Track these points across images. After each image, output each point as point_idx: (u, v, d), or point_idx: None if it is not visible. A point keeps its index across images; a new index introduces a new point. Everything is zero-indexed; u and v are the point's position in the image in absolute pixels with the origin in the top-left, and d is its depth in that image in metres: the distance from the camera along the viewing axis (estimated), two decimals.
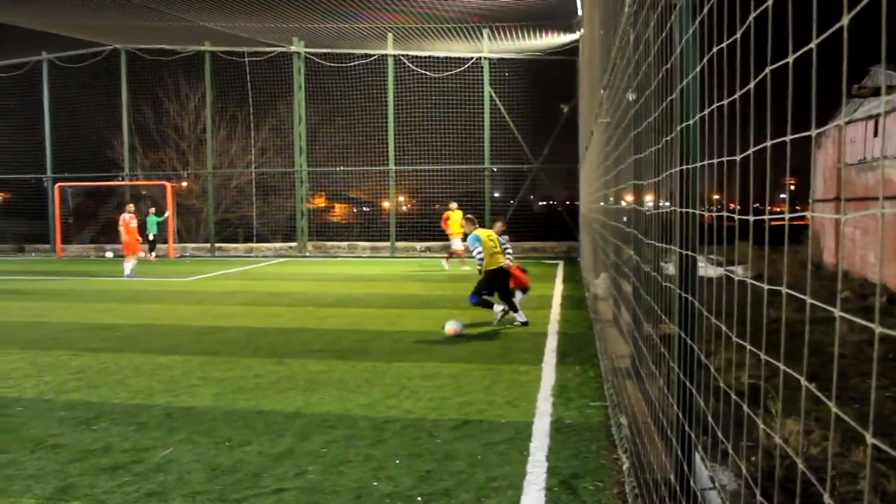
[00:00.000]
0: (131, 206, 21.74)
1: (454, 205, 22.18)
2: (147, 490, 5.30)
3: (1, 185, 32.69)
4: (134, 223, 21.02)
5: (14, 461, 5.97)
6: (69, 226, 30.90)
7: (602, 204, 10.63)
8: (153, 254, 27.46)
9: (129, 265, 20.62)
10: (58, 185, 30.16)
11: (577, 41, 23.12)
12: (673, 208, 3.59)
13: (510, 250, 12.74)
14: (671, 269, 3.79)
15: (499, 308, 12.06)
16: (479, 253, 12.00)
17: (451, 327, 11.05)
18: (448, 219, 21.79)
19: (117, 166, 30.48)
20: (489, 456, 5.88)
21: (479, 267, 12.31)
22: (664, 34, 3.86)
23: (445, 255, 22.41)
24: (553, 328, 11.72)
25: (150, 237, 27.62)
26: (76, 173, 30.42)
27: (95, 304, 15.39)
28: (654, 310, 4.31)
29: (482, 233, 12.20)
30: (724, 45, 2.40)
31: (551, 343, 10.49)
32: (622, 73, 6.43)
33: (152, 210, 27.77)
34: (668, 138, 3.70)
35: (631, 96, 5.77)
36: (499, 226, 13.21)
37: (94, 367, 9.41)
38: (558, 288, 16.88)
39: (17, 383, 8.60)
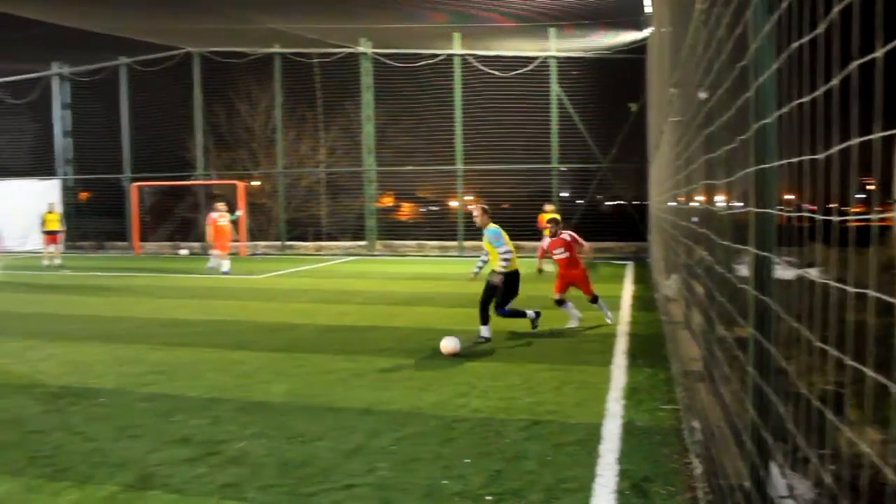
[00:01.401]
0: (220, 205, 22.17)
1: (550, 206, 21.24)
2: (222, 481, 5.44)
3: (83, 185, 33.82)
4: (223, 221, 21.40)
5: (99, 449, 6.19)
6: (146, 224, 31.78)
7: (673, 204, 10.48)
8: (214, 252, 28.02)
9: (226, 262, 21.08)
10: (135, 184, 31.05)
11: (644, 39, 22.82)
12: (748, 208, 3.53)
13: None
14: (744, 270, 3.73)
15: (532, 312, 11.18)
16: (508, 252, 10.57)
17: (448, 346, 9.72)
18: (541, 220, 20.64)
19: (191, 166, 31.22)
20: (559, 457, 5.86)
21: (477, 270, 11.48)
22: (738, 31, 3.80)
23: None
24: (623, 329, 11.60)
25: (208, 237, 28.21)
26: (152, 173, 31.29)
27: (171, 300, 15.82)
28: (728, 312, 4.24)
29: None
30: (804, 40, 2.35)
31: (621, 344, 10.40)
32: (693, 71, 6.34)
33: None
34: (743, 137, 3.64)
35: (702, 94, 5.69)
36: (549, 222, 12.71)
37: (170, 361, 9.68)
38: (628, 289, 16.70)
39: (100, 375, 8.92)
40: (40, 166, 32.55)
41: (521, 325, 11.86)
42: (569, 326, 11.74)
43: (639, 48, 24.04)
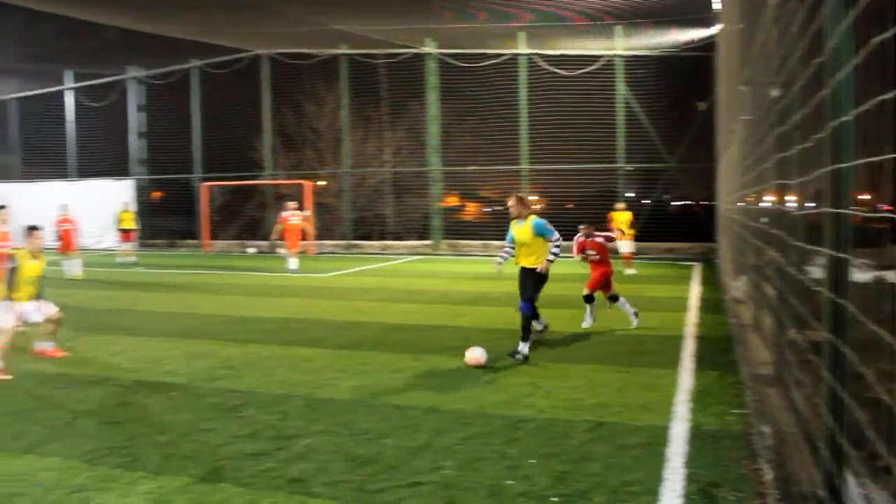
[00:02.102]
0: (292, 204, 22.48)
1: (621, 205, 20.72)
2: (290, 476, 5.54)
3: (156, 184, 34.75)
4: (294, 220, 21.69)
5: (171, 442, 6.36)
6: (215, 222, 32.47)
7: (742, 204, 10.29)
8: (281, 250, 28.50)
9: (294, 261, 21.42)
10: (205, 184, 31.77)
11: (713, 36, 22.41)
12: (823, 209, 3.46)
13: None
14: (818, 272, 3.65)
15: (541, 326, 10.61)
16: (559, 240, 9.73)
17: (473, 357, 9.17)
18: (612, 220, 20.25)
19: (259, 166, 31.79)
20: (625, 459, 5.81)
21: (500, 262, 10.66)
22: (814, 27, 3.72)
23: (624, 259, 20.32)
24: (690, 332, 11.42)
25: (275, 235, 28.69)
26: (222, 173, 31.97)
27: (240, 297, 16.13)
28: (801, 315, 4.15)
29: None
30: (886, 35, 2.30)
31: (688, 347, 10.24)
32: (765, 69, 6.22)
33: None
34: (819, 136, 3.56)
35: (775, 92, 5.58)
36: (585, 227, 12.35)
37: (239, 357, 9.89)
38: (695, 290, 16.42)
39: (172, 370, 9.16)
40: (116, 167, 33.51)
41: (596, 323, 11.79)
42: (584, 325, 11.91)
43: (707, 45, 23.61)
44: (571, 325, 11.92)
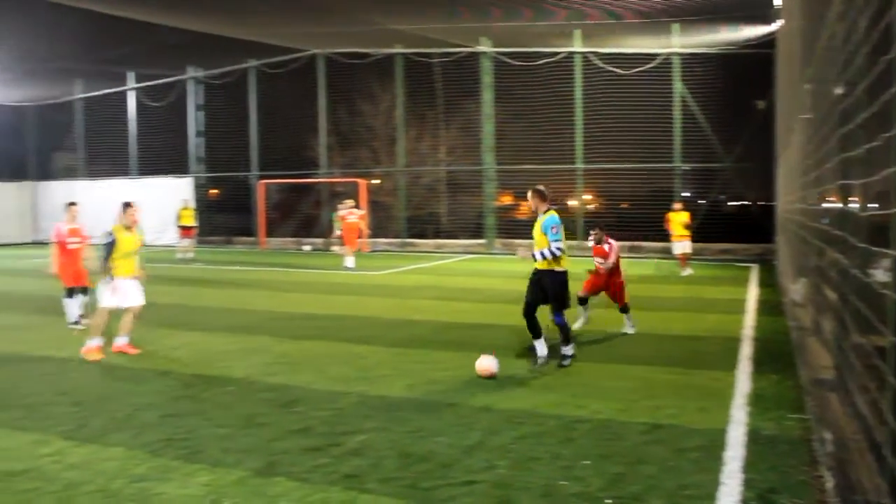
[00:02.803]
0: (349, 202, 22.68)
1: (678, 205, 20.26)
2: (344, 472, 5.59)
3: (214, 182, 35.35)
4: (351, 218, 21.87)
5: (228, 436, 6.47)
6: (271, 220, 32.90)
7: (802, 205, 10.08)
8: (335, 248, 28.75)
9: (349, 259, 21.63)
10: (262, 182, 32.21)
11: (773, 33, 21.97)
12: (890, 210, 3.37)
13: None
14: (883, 274, 3.56)
15: (545, 353, 9.27)
16: (559, 247, 9.02)
17: (484, 367, 8.55)
18: (669, 220, 20.01)
19: (315, 164, 32.11)
20: (681, 462, 5.74)
21: (548, 256, 9.08)
22: (883, 23, 3.62)
23: (679, 260, 20.09)
24: (747, 334, 11.21)
25: (338, 232, 28.93)
26: (278, 171, 32.39)
27: (295, 294, 16.33)
28: (865, 318, 4.05)
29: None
30: None
31: (745, 349, 10.06)
32: (829, 66, 6.08)
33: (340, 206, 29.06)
34: (888, 135, 3.47)
35: (839, 91, 5.46)
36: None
37: (294, 353, 10.01)
38: (752, 292, 16.13)
39: (229, 365, 9.31)
40: (175, 165, 34.17)
41: (645, 326, 11.66)
42: (575, 326, 11.00)
43: (767, 43, 23.14)
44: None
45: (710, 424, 6.68)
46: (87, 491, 5.25)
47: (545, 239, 9.03)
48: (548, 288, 9.06)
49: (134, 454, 6.01)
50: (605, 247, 11.40)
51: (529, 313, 9.21)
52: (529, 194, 9.40)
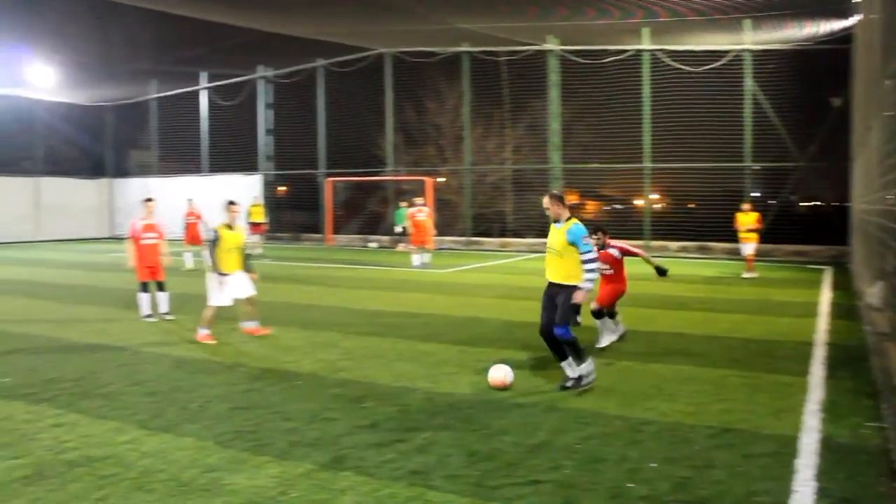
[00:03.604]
0: (419, 200, 22.81)
1: (747, 205, 19.54)
2: (410, 468, 5.63)
3: (282, 179, 35.92)
4: (420, 216, 21.98)
5: (296, 429, 6.58)
6: (338, 217, 33.29)
7: (882, 206, 9.78)
8: (401, 245, 28.92)
9: (416, 257, 21.77)
10: (329, 179, 32.60)
11: (850, 28, 21.34)
12: None
13: None
14: None
15: (574, 374, 8.02)
16: (594, 260, 7.99)
17: (497, 378, 7.95)
18: (737, 221, 19.35)
19: (381, 162, 32.37)
20: (751, 468, 5.63)
21: (596, 278, 8.09)
22: None
23: (746, 262, 19.34)
24: (821, 338, 10.91)
25: (399, 229, 29.17)
26: (345, 169, 32.75)
27: (361, 290, 16.49)
28: None
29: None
30: None
31: (819, 354, 9.79)
32: None
33: (403, 204, 29.29)
34: None
35: None
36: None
37: (361, 349, 10.11)
38: (825, 295, 15.70)
39: (297, 359, 9.47)
40: (245, 162, 34.84)
41: (714, 328, 11.47)
42: (603, 343, 10.22)
43: (843, 38, 22.48)
44: (696, 327, 11.62)
45: (782, 430, 6.53)
46: (161, 479, 5.40)
47: (572, 252, 7.95)
48: (560, 302, 7.97)
49: (205, 444, 6.15)
50: (613, 251, 10.38)
51: (549, 335, 8.06)
52: (548, 200, 8.25)
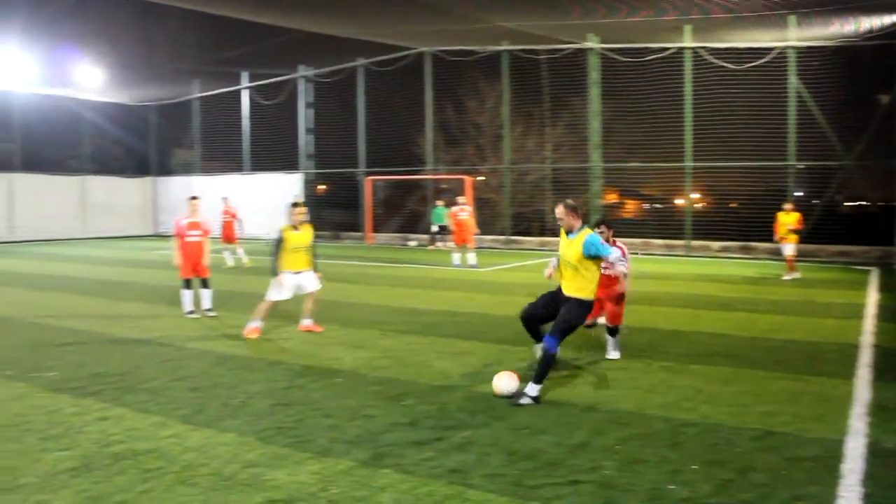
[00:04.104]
0: (461, 199, 22.83)
1: (788, 205, 18.92)
2: (449, 467, 5.64)
3: (322, 178, 36.17)
4: (463, 215, 21.97)
5: (336, 426, 6.63)
6: (378, 216, 33.43)
7: None
8: (438, 244, 28.96)
9: (456, 256, 21.75)
10: (369, 178, 32.75)
11: None
12: None
13: None
14: None
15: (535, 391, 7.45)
16: (620, 256, 7.93)
17: (502, 385, 7.55)
18: (778, 221, 18.82)
19: (421, 161, 32.43)
20: (794, 472, 5.54)
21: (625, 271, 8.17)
22: None
23: (786, 263, 18.95)
24: (867, 341, 10.70)
25: (436, 228, 29.23)
26: (384, 168, 32.88)
27: (401, 288, 16.55)
28: None
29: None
30: None
31: (865, 357, 9.60)
32: None
33: (439, 203, 29.34)
34: None
35: None
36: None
37: (401, 347, 10.15)
38: (872, 297, 15.41)
39: (337, 357, 9.53)
40: (285, 161, 35.15)
41: (756, 329, 11.33)
42: (614, 355, 9.54)
43: (891, 33, 22.03)
44: (738, 328, 11.48)
45: (827, 434, 6.42)
46: (203, 473, 5.48)
47: (589, 265, 7.65)
48: (566, 311, 7.62)
49: (246, 440, 6.22)
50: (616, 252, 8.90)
51: (530, 322, 8.02)
52: (562, 210, 7.82)
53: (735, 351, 9.94)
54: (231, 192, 31.54)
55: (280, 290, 11.00)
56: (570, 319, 7.61)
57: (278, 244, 11.01)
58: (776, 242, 19.11)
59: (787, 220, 18.60)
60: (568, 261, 7.75)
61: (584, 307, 7.72)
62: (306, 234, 11.27)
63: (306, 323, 11.45)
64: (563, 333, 7.58)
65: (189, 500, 5.02)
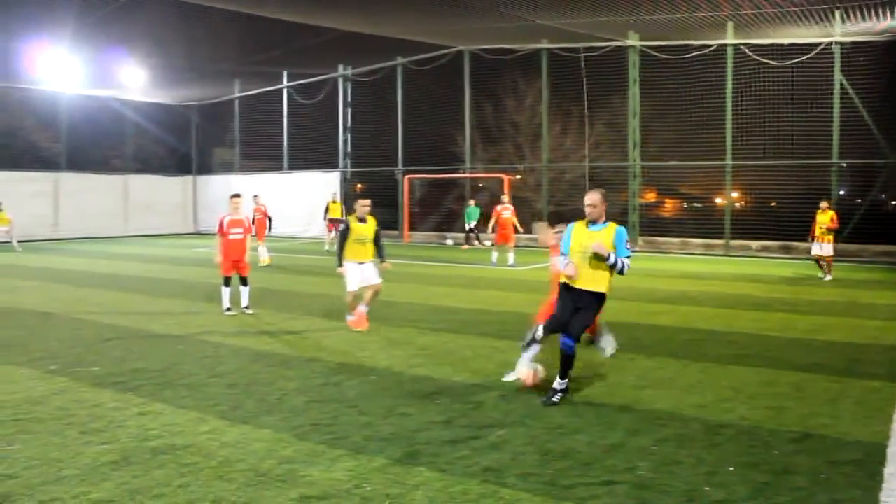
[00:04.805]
0: (504, 198, 22.79)
1: (824, 203, 18.69)
2: (483, 465, 5.63)
3: (360, 176, 36.32)
4: (506, 214, 21.90)
5: (371, 424, 6.66)
6: (415, 214, 33.50)
7: None
8: (470, 243, 28.90)
9: (495, 255, 21.69)
10: (407, 177, 32.84)
11: None
12: None
13: None
14: None
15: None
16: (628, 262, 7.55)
17: (526, 373, 7.72)
18: (815, 220, 18.55)
19: (459, 160, 32.45)
20: (834, 476, 5.45)
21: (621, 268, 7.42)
22: None
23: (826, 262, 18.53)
24: None
25: (469, 227, 29.18)
26: (422, 166, 32.94)
27: (437, 287, 16.57)
28: None
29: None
30: None
31: None
32: None
33: (471, 202, 29.32)
34: None
35: None
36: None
37: (436, 345, 10.16)
38: None
39: (372, 354, 9.58)
40: (324, 160, 35.37)
41: (796, 330, 11.16)
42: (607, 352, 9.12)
43: None
44: (777, 329, 11.32)
45: (868, 437, 6.31)
46: (240, 469, 5.54)
47: (604, 258, 7.34)
48: (584, 313, 7.48)
49: (282, 437, 6.28)
50: None
51: (555, 329, 7.56)
52: (599, 197, 7.62)
53: (774, 352, 9.80)
54: (269, 190, 31.96)
55: (351, 281, 11.32)
56: (588, 318, 7.54)
57: (344, 235, 11.34)
58: (811, 242, 18.69)
59: (823, 219, 18.23)
60: (586, 253, 7.41)
61: (601, 300, 7.52)
62: (371, 226, 11.55)
63: (362, 309, 11.58)
64: (581, 333, 7.52)
65: (225, 495, 5.08)
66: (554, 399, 7.33)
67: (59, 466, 5.58)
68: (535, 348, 7.91)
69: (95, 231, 34.70)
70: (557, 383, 7.44)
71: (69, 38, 26.09)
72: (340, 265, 11.37)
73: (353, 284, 11.34)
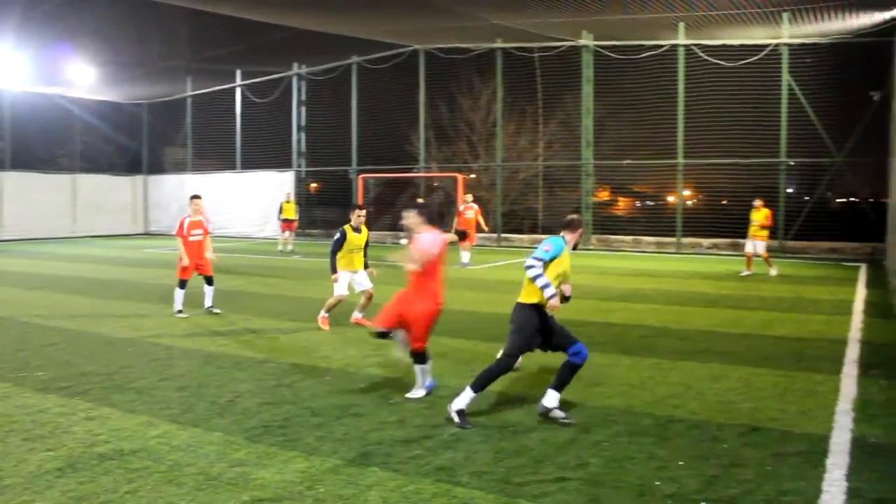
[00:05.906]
0: (467, 197, 22.77)
1: (759, 202, 19.10)
2: (437, 465, 5.64)
3: (314, 176, 36.09)
4: (469, 213, 21.86)
5: (323, 424, 6.62)
6: (370, 214, 33.33)
7: None
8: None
9: (465, 254, 21.57)
10: (361, 176, 32.70)
11: (893, 20, 20.94)
12: None
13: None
14: None
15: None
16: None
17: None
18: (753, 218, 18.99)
19: (413, 159, 32.40)
20: (780, 467, 5.57)
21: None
22: None
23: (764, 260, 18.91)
24: (854, 336, 10.75)
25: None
26: (377, 165, 32.82)
27: (392, 287, 16.42)
28: None
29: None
30: None
31: (852, 352, 9.65)
32: None
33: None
34: None
35: None
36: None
37: (389, 345, 10.07)
38: (860, 293, 15.48)
39: (326, 355, 9.53)
40: (278, 159, 35.06)
41: (745, 326, 11.35)
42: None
43: (885, 30, 22.06)
44: (726, 325, 11.50)
45: (813, 429, 6.45)
46: (190, 473, 5.46)
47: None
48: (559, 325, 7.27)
49: (233, 439, 6.21)
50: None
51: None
52: (581, 222, 7.59)
53: (723, 347, 9.97)
54: (223, 190, 31.60)
55: (340, 287, 11.42)
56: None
57: (339, 243, 11.36)
58: (746, 239, 19.09)
59: (757, 216, 18.63)
60: (568, 274, 7.45)
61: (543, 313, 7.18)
62: (364, 236, 11.67)
63: (357, 315, 11.78)
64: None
65: (175, 499, 5.00)
66: (568, 420, 6.68)
67: (0, 475, 5.45)
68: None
69: (42, 232, 33.93)
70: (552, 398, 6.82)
71: (13, 34, 25.51)
72: (334, 272, 11.34)
73: (342, 290, 11.43)
